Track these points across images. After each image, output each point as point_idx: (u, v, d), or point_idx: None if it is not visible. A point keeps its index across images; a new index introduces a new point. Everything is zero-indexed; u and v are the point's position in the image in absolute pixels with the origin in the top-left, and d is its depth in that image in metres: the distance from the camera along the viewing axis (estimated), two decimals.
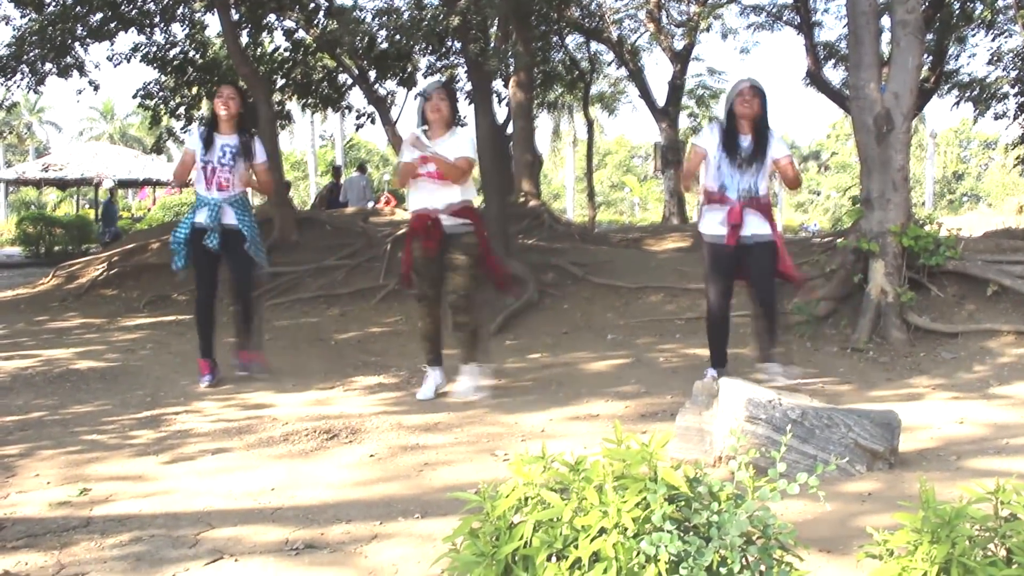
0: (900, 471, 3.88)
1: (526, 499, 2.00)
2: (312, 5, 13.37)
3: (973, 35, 16.67)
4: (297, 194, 37.75)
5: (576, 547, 1.86)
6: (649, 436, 2.00)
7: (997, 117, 17.33)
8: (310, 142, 47.58)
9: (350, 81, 15.32)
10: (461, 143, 5.70)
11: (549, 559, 1.90)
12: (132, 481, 3.99)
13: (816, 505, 3.32)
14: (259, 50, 14.69)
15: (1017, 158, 18.08)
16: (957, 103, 17.34)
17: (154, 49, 13.93)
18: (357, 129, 17.31)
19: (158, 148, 19.00)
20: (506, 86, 15.29)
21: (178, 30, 14.36)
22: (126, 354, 7.39)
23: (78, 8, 11.45)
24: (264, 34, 14.57)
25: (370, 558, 3.05)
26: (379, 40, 12.68)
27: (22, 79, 12.10)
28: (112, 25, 12.18)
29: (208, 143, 6.17)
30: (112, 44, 13.02)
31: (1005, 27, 16.18)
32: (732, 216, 5.69)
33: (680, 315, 8.38)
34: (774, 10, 18.22)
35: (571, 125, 41.22)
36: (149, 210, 32.11)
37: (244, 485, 3.89)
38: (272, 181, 6.31)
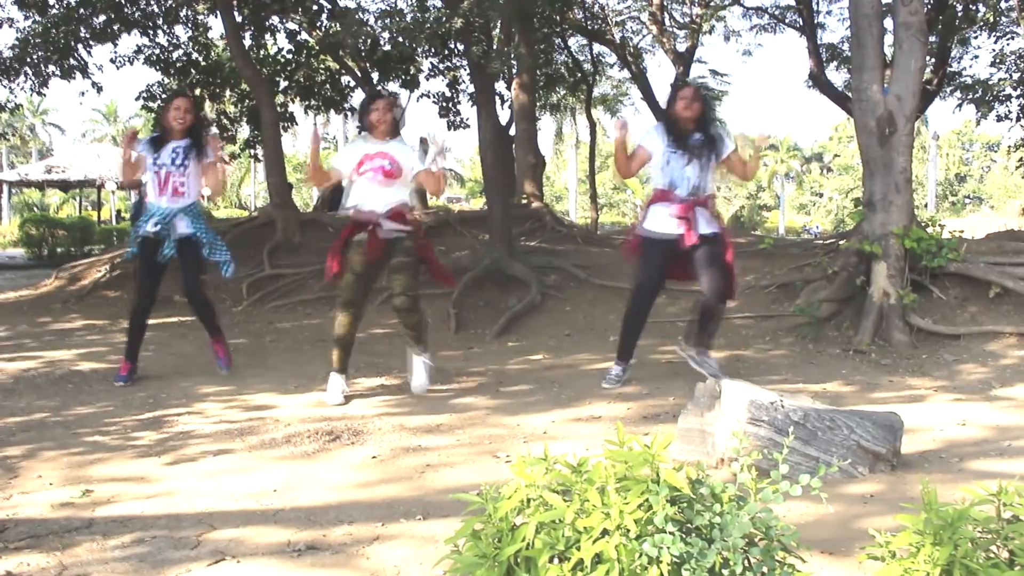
0: (902, 473, 3.88)
1: (528, 501, 2.00)
2: (315, 7, 13.39)
3: (976, 37, 16.67)
4: (300, 196, 37.78)
5: (578, 549, 1.86)
6: (651, 438, 2.00)
7: (1000, 119, 17.30)
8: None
9: (353, 83, 15.34)
10: (411, 153, 5.75)
11: (551, 561, 1.90)
12: (134, 482, 3.99)
13: (818, 507, 3.31)
14: (262, 52, 14.72)
15: (1020, 160, 18.06)
16: (960, 105, 17.31)
17: (157, 51, 13.96)
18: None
19: None
20: (509, 88, 15.31)
21: (181, 32, 14.41)
22: None
23: (82, 10, 11.47)
24: (267, 36, 14.59)
25: (372, 559, 3.05)
26: (382, 42, 12.71)
27: (26, 81, 12.13)
28: (115, 27, 12.21)
29: (158, 148, 6.16)
30: (115, 46, 13.07)
31: (1008, 29, 16.17)
32: (680, 211, 5.75)
33: (682, 317, 8.36)
34: (777, 12, 18.22)
35: (574, 127, 41.30)
36: None
37: (246, 486, 3.89)
38: (221, 182, 6.30)
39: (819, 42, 16.11)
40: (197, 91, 14.63)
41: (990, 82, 16.87)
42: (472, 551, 1.98)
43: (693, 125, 5.86)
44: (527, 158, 15.39)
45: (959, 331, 7.14)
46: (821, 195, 66.45)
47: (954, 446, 4.39)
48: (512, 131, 15.40)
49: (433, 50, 13.40)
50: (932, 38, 13.31)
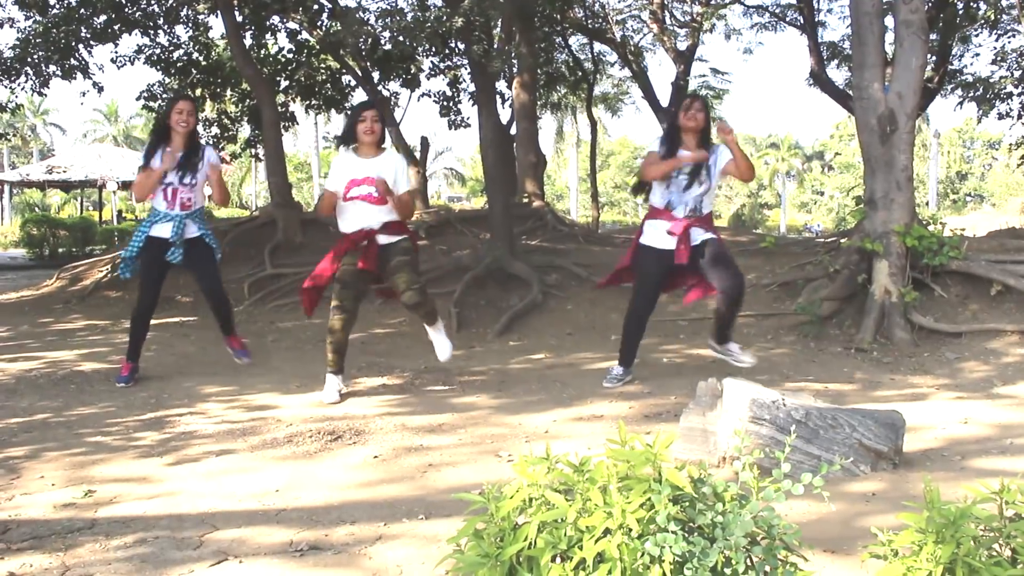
0: (904, 471, 3.87)
1: (530, 500, 2.00)
2: (316, 7, 13.39)
3: (977, 35, 16.67)
4: (300, 196, 37.79)
5: (580, 548, 1.86)
6: (653, 437, 2.00)
7: (1001, 117, 17.30)
8: (314, 144, 47.63)
9: (353, 82, 15.34)
10: (398, 168, 5.74)
11: (553, 560, 1.90)
12: (136, 483, 3.99)
13: (820, 505, 3.31)
14: (263, 52, 14.72)
15: (1021, 158, 18.06)
16: (961, 103, 17.31)
17: (158, 51, 13.96)
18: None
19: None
20: (509, 87, 15.32)
21: (182, 32, 14.42)
22: None
23: (82, 10, 11.47)
24: (268, 36, 14.60)
25: (374, 559, 3.05)
26: (382, 41, 12.71)
27: (26, 81, 12.13)
28: (116, 27, 12.22)
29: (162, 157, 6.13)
30: (116, 46, 13.07)
31: (1009, 27, 16.17)
32: (677, 230, 5.75)
33: (684, 316, 8.38)
34: (777, 10, 18.21)
35: (574, 126, 41.33)
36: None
37: (248, 487, 3.89)
38: (222, 192, 6.30)
39: (820, 40, 16.10)
40: (198, 91, 14.64)
41: (991, 80, 16.86)
42: (474, 550, 1.98)
43: (695, 139, 5.82)
44: (528, 157, 15.39)
45: (961, 329, 7.14)
46: (822, 193, 66.47)
47: (956, 444, 4.39)
48: (513, 130, 15.40)
49: (434, 49, 13.40)
50: (933, 36, 13.32)
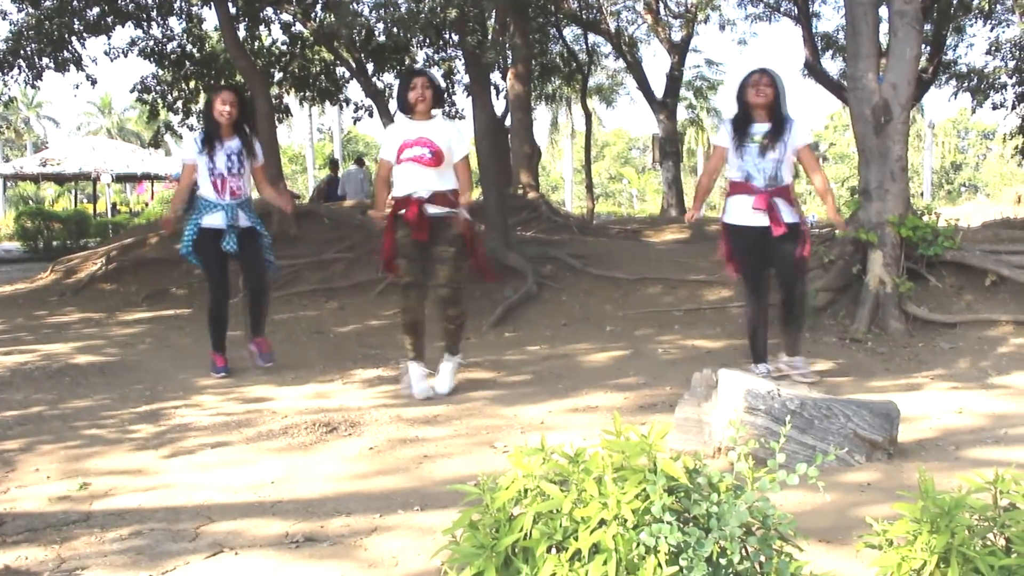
0: (899, 461, 3.89)
1: (526, 491, 2.00)
2: None
3: (971, 25, 16.68)
4: (295, 187, 37.73)
5: (576, 539, 1.86)
6: (648, 427, 2.00)
7: (995, 107, 17.34)
8: (308, 136, 47.56)
9: (348, 74, 15.31)
10: (452, 134, 5.53)
11: (549, 551, 1.90)
12: (132, 475, 3.99)
13: (815, 495, 3.32)
14: (256, 44, 14.68)
15: (1015, 148, 18.08)
16: (955, 93, 17.34)
17: (151, 43, 13.91)
18: (355, 122, 17.32)
19: (156, 142, 18.98)
20: (504, 78, 15.29)
21: (175, 24, 14.35)
22: (125, 348, 7.40)
23: (75, 2, 11.43)
24: (261, 27, 14.55)
25: (370, 550, 3.05)
26: (376, 33, 12.66)
27: (19, 74, 12.09)
28: (109, 19, 12.17)
29: (210, 150, 6.13)
30: (109, 38, 13.00)
31: (1003, 17, 16.19)
32: (760, 202, 5.56)
33: (679, 306, 8.38)
34: (772, 1, 18.20)
35: (569, 117, 41.24)
36: (147, 204, 32.10)
37: (244, 479, 3.89)
38: (269, 181, 6.31)
39: (814, 31, 16.11)
40: (192, 83, 14.60)
41: (985, 70, 16.88)
42: (470, 541, 1.98)
43: (766, 112, 5.68)
44: (523, 148, 15.37)
45: (955, 319, 7.15)
46: None
47: (951, 434, 4.40)
48: (508, 121, 15.38)
49: (428, 40, 13.37)
50: (927, 26, 13.31)
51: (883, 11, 8.24)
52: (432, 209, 5.41)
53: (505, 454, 4.10)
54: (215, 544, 3.13)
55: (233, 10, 12.76)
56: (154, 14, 13.33)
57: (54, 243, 20.51)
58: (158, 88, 14.78)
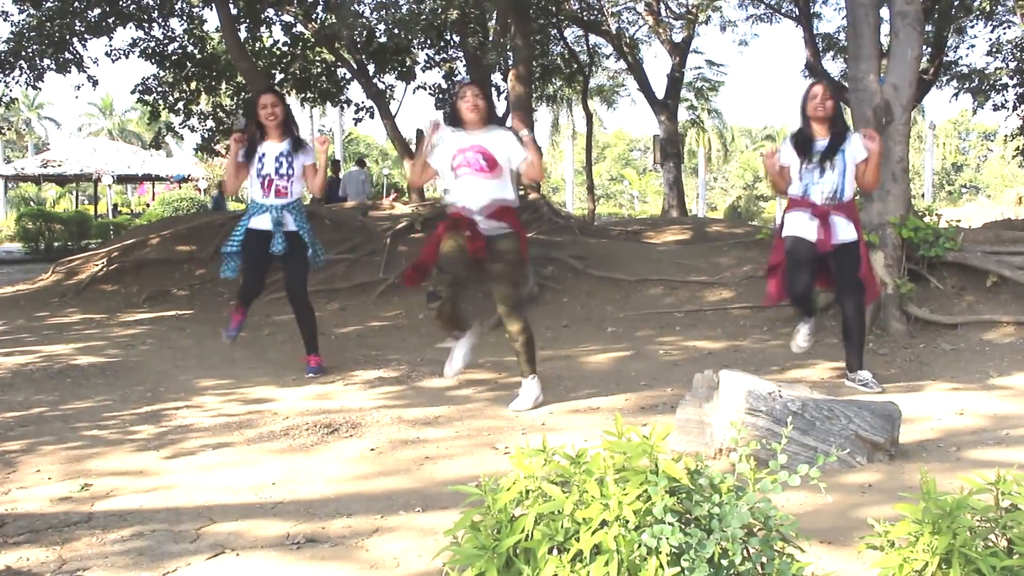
0: (901, 462, 3.88)
1: (527, 492, 2.00)
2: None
3: (972, 26, 16.67)
4: None
5: (577, 540, 1.86)
6: (650, 429, 2.00)
7: (996, 108, 17.33)
8: (309, 136, 47.49)
9: (349, 75, 15.32)
10: (507, 141, 5.29)
11: (550, 552, 1.90)
12: (133, 476, 3.99)
13: (817, 496, 3.32)
14: (258, 44, 14.70)
15: (1016, 149, 18.08)
16: (956, 94, 17.34)
17: (152, 44, 13.94)
18: (356, 123, 17.31)
19: (157, 143, 18.99)
20: (505, 79, 15.28)
21: (176, 25, 14.39)
22: (126, 349, 7.39)
23: (76, 3, 11.45)
24: (262, 28, 14.57)
25: (371, 552, 3.05)
26: (378, 34, 12.69)
27: (21, 75, 12.11)
28: (110, 20, 12.20)
29: (260, 153, 6.14)
30: (110, 39, 13.04)
31: (1004, 18, 16.18)
32: (816, 216, 5.50)
33: (680, 307, 8.38)
34: (773, 2, 18.21)
35: (570, 118, 41.30)
36: (148, 205, 32.14)
37: (245, 480, 3.89)
38: (322, 181, 6.29)
39: (815, 32, 16.12)
40: (193, 84, 14.61)
41: (986, 71, 16.88)
42: (471, 543, 1.98)
43: (825, 127, 5.59)
44: None
45: (956, 320, 7.15)
46: None
47: (952, 435, 4.40)
48: (509, 122, 15.38)
49: (429, 41, 13.39)
50: (928, 27, 13.31)
51: (884, 12, 8.23)
52: (483, 225, 5.21)
53: (506, 455, 4.10)
54: (216, 545, 3.13)
55: (234, 11, 12.79)
56: (155, 15, 13.36)
57: (55, 244, 20.55)
58: (159, 89, 14.80)
